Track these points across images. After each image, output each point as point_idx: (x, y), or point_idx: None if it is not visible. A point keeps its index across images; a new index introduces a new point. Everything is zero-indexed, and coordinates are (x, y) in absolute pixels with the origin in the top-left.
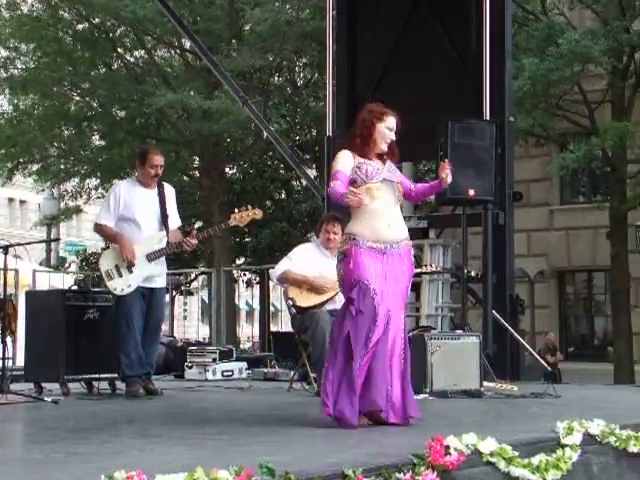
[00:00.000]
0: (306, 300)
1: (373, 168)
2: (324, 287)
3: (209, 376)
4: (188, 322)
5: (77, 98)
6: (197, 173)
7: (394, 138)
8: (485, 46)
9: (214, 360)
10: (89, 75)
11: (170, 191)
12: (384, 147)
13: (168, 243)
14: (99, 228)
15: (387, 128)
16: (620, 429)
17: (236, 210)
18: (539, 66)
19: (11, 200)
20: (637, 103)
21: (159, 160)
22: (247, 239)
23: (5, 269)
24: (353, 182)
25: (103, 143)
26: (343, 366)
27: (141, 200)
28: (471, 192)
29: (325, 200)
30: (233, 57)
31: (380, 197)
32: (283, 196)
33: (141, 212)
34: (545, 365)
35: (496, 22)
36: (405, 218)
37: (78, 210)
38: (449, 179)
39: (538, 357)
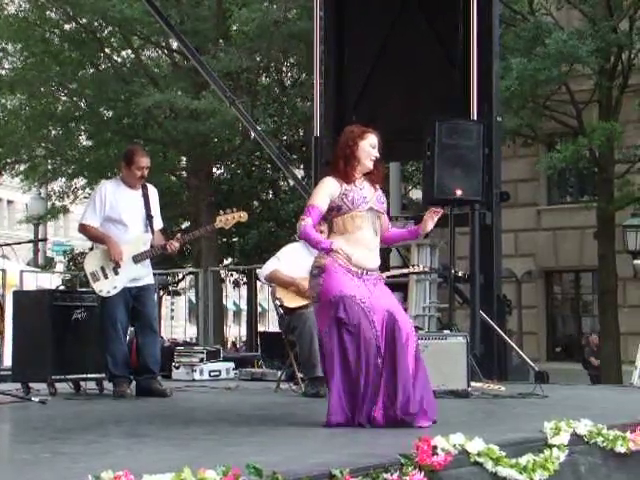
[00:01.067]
0: (293, 300)
1: (360, 196)
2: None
3: (196, 376)
4: (175, 322)
5: (64, 98)
6: (184, 173)
7: (378, 155)
8: (472, 46)
9: (201, 360)
10: (76, 75)
11: (153, 192)
12: (369, 164)
13: (152, 245)
14: (84, 228)
15: (370, 146)
16: (607, 429)
17: (221, 212)
18: (527, 66)
19: None
20: (624, 103)
21: (146, 162)
22: (234, 239)
23: None
24: (339, 209)
25: (90, 143)
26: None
27: (127, 201)
28: (458, 192)
29: None
30: (220, 57)
31: (364, 226)
32: (270, 196)
33: (127, 213)
34: (532, 365)
35: (483, 22)
36: (392, 218)
37: (65, 210)
38: (429, 227)
39: (525, 357)
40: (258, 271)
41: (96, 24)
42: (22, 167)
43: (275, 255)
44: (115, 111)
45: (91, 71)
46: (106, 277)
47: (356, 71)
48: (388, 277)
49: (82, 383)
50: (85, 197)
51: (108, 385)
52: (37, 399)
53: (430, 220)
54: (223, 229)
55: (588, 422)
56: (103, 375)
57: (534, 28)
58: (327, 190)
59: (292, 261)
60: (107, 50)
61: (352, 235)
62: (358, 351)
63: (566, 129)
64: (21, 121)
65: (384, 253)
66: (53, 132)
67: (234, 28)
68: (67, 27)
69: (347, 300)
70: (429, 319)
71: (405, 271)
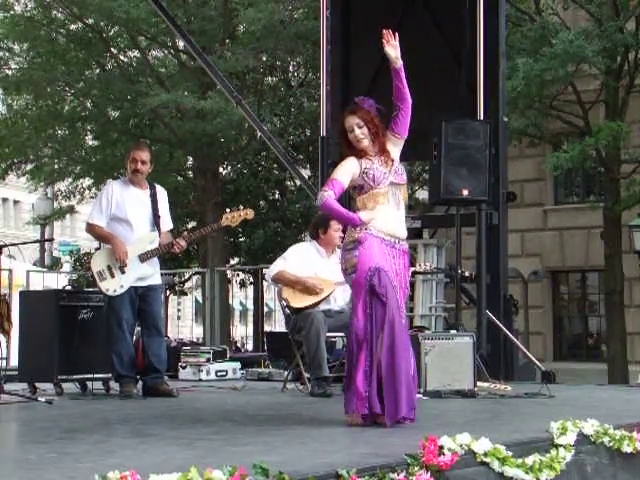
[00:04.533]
0: (300, 300)
1: (380, 173)
2: (317, 288)
3: (203, 376)
4: (182, 322)
5: (70, 98)
6: (191, 173)
7: (357, 134)
8: (479, 46)
9: (208, 360)
10: (83, 75)
11: (162, 193)
12: (361, 144)
13: (160, 244)
14: (91, 228)
15: (349, 130)
16: (614, 429)
17: (228, 210)
18: (533, 66)
19: (5, 200)
20: (631, 103)
21: (140, 155)
22: (241, 239)
23: None
24: (361, 188)
25: (96, 143)
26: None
27: (133, 200)
28: (465, 192)
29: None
30: (227, 57)
31: (387, 202)
32: (277, 196)
33: (133, 212)
34: (538, 365)
35: (490, 22)
36: None
37: (72, 210)
38: (390, 51)
39: (532, 357)
40: (265, 271)
41: (102, 24)
42: (28, 167)
43: (282, 255)
44: (121, 111)
45: (97, 71)
46: (113, 276)
47: (362, 71)
48: None
49: (89, 383)
50: (91, 197)
51: (115, 385)
52: (44, 399)
53: (388, 46)
54: (230, 228)
55: (595, 422)
56: (110, 375)
57: (540, 28)
58: (349, 168)
59: (299, 261)
60: (113, 50)
61: (373, 212)
62: (384, 322)
63: (572, 129)
64: (27, 121)
65: None
66: (59, 132)
67: (240, 28)
68: (73, 27)
69: (381, 272)
70: (436, 319)
71: (412, 270)
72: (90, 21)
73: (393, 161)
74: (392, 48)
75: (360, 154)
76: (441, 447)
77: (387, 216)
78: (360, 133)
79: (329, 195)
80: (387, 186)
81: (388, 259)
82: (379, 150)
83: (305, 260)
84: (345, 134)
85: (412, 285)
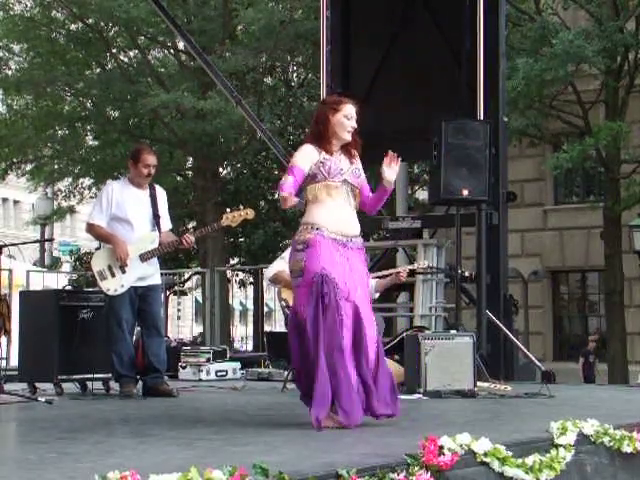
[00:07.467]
0: None
1: (336, 167)
2: None
3: (203, 376)
4: (182, 322)
5: (70, 98)
6: (191, 173)
7: (355, 126)
8: (479, 46)
9: (208, 360)
10: (83, 75)
11: (161, 193)
12: (346, 136)
13: (161, 243)
14: (92, 228)
15: (345, 117)
16: (614, 429)
17: (228, 210)
18: (533, 66)
19: (5, 200)
20: (631, 103)
21: (152, 160)
22: (241, 239)
23: None
24: (314, 177)
25: (96, 143)
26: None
27: (133, 200)
28: (465, 192)
29: None
30: (227, 57)
31: (338, 197)
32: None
33: (134, 212)
34: (538, 365)
35: (490, 22)
36: (399, 218)
37: (71, 210)
38: (389, 174)
39: (532, 357)
40: (265, 271)
41: (102, 24)
42: (28, 167)
43: (281, 256)
44: (121, 111)
45: (97, 71)
46: (113, 276)
47: (362, 71)
48: (380, 277)
49: (89, 383)
50: (91, 197)
51: (115, 385)
52: (44, 399)
53: (388, 169)
54: (230, 228)
55: (595, 422)
56: (110, 375)
57: (540, 28)
58: (308, 154)
59: None
60: (113, 50)
61: (323, 204)
62: (331, 329)
63: (572, 129)
64: (27, 121)
65: (390, 253)
66: (59, 132)
67: (240, 28)
68: (73, 27)
69: (327, 279)
70: (436, 319)
71: (393, 271)
72: (90, 21)
73: (353, 163)
74: (392, 172)
75: (323, 146)
76: (441, 447)
77: (337, 213)
78: (353, 125)
79: (286, 180)
80: (341, 182)
81: (339, 260)
82: (344, 149)
83: None
84: (325, 120)
85: (412, 285)
